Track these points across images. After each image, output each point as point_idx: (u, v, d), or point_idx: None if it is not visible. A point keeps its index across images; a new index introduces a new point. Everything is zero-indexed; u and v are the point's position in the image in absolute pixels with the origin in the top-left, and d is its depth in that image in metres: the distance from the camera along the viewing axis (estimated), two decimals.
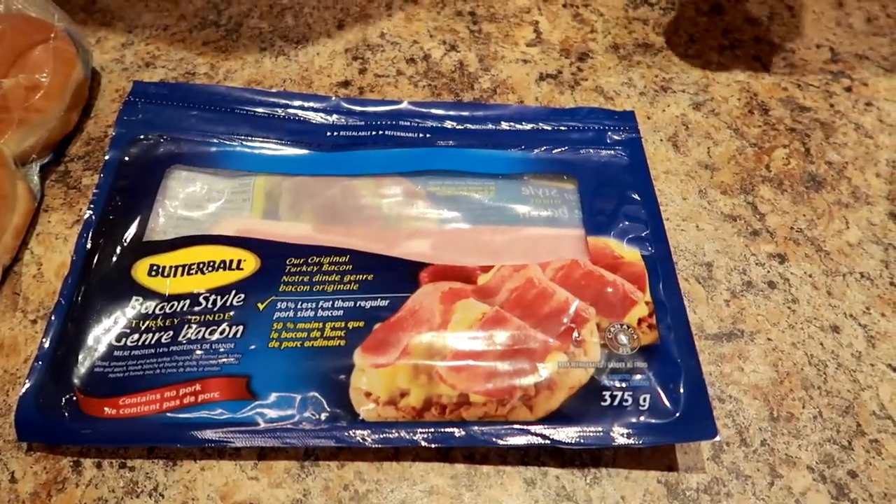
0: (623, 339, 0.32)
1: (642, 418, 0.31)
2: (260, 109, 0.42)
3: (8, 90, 0.39)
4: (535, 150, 0.41)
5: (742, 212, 0.40)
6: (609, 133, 0.42)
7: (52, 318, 0.34)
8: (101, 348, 0.33)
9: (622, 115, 0.42)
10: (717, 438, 0.31)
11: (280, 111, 0.42)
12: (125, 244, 0.36)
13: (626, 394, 0.31)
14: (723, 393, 0.34)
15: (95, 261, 0.36)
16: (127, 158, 0.39)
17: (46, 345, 0.33)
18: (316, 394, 0.31)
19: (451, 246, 0.37)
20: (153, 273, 0.35)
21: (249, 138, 0.41)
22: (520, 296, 0.34)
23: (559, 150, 0.41)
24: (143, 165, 0.39)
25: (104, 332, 0.33)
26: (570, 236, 0.37)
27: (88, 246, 0.36)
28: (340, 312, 0.33)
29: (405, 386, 0.31)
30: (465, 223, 0.38)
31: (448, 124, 0.42)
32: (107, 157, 0.39)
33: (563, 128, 0.42)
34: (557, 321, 0.33)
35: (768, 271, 0.38)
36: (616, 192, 0.39)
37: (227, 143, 0.40)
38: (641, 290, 0.34)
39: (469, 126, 0.42)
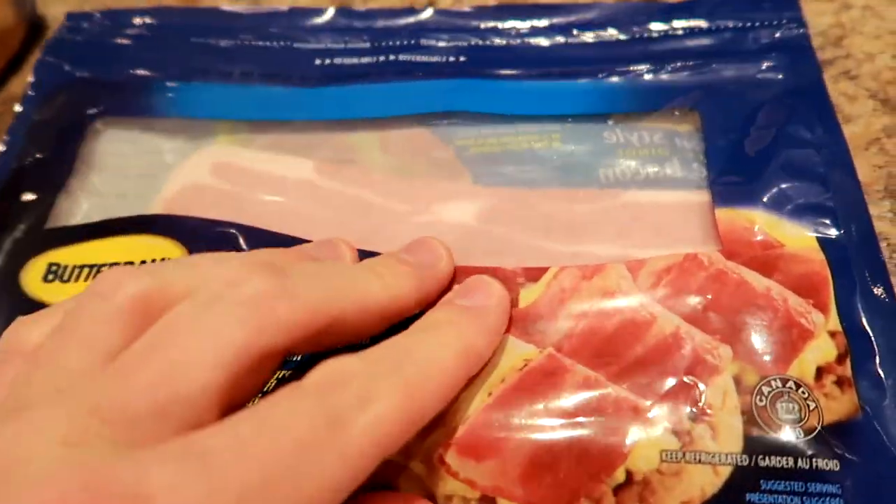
0: (786, 409, 0.17)
1: None
2: (224, 40, 0.29)
3: None
4: (627, 73, 0.26)
5: None
6: (751, 34, 0.26)
7: None
8: None
9: (777, 1, 0.26)
10: None
11: (249, 36, 0.29)
12: (20, 235, 0.25)
13: None
14: None
15: None
16: (38, 118, 0.28)
17: None
18: None
19: (503, 216, 0.23)
20: (50, 277, 0.24)
21: (206, 74, 0.28)
22: (591, 326, 0.19)
23: (668, 68, 0.25)
24: (61, 122, 0.28)
25: None
26: (683, 207, 0.22)
27: None
28: None
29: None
30: (516, 186, 0.24)
31: (495, 41, 0.28)
32: (16, 111, 0.28)
33: (674, 32, 0.27)
34: (660, 371, 0.18)
35: None
36: (769, 131, 0.23)
37: (174, 84, 0.28)
38: (821, 308, 0.19)
39: (527, 41, 0.28)
